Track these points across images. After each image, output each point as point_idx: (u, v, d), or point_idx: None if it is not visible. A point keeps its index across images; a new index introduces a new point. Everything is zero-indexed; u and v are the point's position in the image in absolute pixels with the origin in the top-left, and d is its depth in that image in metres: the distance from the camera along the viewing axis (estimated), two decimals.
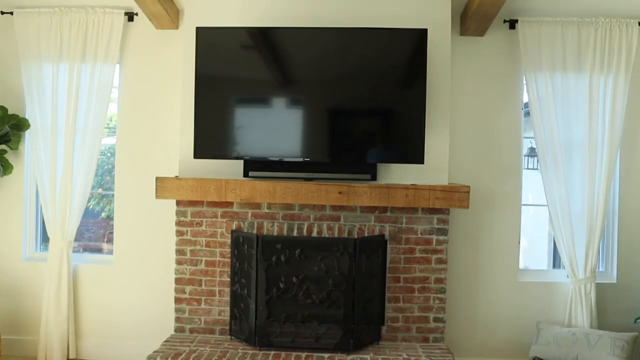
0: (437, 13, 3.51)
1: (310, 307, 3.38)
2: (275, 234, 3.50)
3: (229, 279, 3.57)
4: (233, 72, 3.42)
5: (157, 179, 3.45)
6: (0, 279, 3.88)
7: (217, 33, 3.39)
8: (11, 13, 3.74)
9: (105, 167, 4.22)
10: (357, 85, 3.38)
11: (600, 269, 3.81)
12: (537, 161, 3.71)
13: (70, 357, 3.76)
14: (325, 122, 3.45)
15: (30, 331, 3.85)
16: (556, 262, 4.45)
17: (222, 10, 3.57)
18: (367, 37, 3.35)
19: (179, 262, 3.59)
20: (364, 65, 3.36)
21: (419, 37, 3.31)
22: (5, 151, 3.78)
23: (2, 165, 3.73)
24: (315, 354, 3.26)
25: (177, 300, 3.60)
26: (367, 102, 3.42)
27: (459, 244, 3.74)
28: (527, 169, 4.43)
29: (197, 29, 3.38)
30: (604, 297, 3.71)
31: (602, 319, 3.65)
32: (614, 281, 3.76)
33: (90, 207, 4.23)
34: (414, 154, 3.33)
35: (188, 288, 3.60)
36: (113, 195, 3.89)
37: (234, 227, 3.54)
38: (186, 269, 3.59)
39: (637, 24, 3.57)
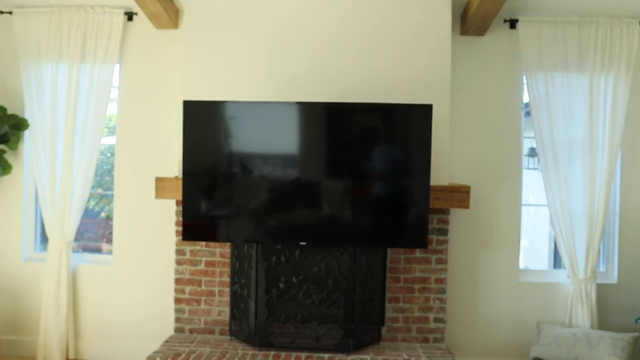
0: (437, 12, 3.50)
1: (310, 307, 3.37)
2: None
3: (228, 279, 3.56)
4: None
5: (157, 179, 3.45)
6: None
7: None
8: (10, 12, 3.73)
9: (105, 167, 4.21)
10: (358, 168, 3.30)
11: (601, 269, 3.81)
12: (538, 161, 3.71)
13: (70, 357, 3.75)
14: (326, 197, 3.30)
15: (30, 331, 3.84)
16: (557, 262, 4.45)
17: (222, 10, 3.57)
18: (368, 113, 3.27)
19: (178, 262, 3.59)
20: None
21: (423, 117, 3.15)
22: (4, 151, 3.77)
23: (1, 165, 3.72)
24: (315, 355, 3.25)
25: (177, 301, 3.60)
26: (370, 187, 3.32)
27: (459, 244, 3.73)
28: (528, 169, 4.42)
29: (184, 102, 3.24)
30: (605, 298, 3.70)
31: (603, 320, 3.65)
32: (615, 281, 3.75)
33: (90, 207, 4.22)
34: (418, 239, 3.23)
35: (188, 288, 3.59)
36: (112, 195, 3.88)
37: None
38: (186, 269, 3.59)
39: (638, 23, 3.56)
